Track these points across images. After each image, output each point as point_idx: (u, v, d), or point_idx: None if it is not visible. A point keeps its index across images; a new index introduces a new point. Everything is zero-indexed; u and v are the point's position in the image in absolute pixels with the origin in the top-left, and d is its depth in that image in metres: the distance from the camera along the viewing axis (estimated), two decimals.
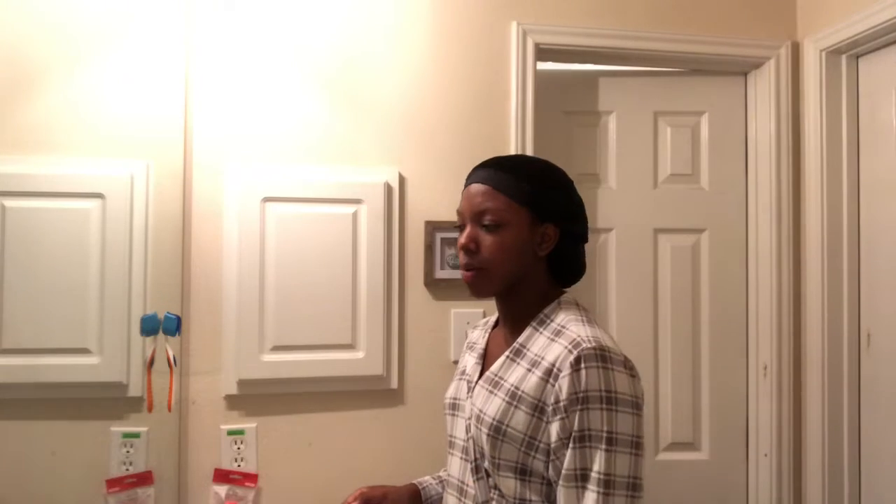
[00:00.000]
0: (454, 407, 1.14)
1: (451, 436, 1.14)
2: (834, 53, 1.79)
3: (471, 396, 1.08)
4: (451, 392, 1.16)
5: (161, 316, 1.51)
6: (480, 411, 1.02)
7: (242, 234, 1.60)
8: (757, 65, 1.90)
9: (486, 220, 1.02)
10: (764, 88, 1.90)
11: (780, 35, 1.89)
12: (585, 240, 1.11)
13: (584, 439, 0.92)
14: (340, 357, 1.63)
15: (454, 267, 1.69)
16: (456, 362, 1.69)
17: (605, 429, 0.91)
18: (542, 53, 1.79)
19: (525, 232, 1.02)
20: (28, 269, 1.42)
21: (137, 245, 1.51)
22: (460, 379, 1.15)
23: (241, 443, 1.60)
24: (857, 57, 1.78)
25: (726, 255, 1.95)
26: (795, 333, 1.86)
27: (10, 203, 1.41)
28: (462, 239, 1.04)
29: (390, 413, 1.68)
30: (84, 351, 1.46)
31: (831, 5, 1.78)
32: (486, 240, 1.02)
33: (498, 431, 0.98)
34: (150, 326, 1.50)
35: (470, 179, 1.08)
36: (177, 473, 1.57)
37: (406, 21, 1.71)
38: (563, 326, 1.01)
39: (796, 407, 1.86)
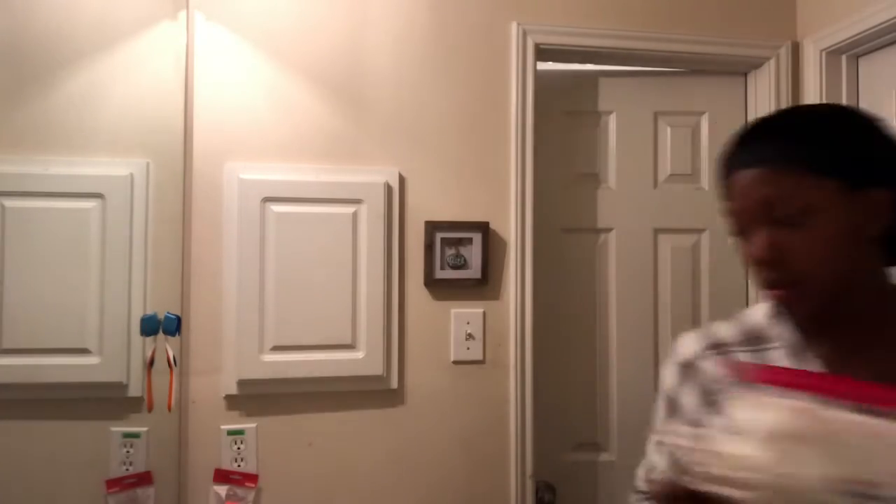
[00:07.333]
0: None
1: None
2: (834, 53, 1.79)
3: None
4: None
5: (161, 316, 1.51)
6: None
7: (242, 234, 1.60)
8: (757, 65, 1.90)
9: (781, 213, 0.74)
10: (764, 88, 1.89)
11: (780, 35, 1.89)
12: None
13: None
14: (340, 357, 1.63)
15: (454, 267, 1.68)
16: (456, 362, 1.70)
17: None
18: (542, 53, 1.79)
19: (841, 212, 0.73)
20: (28, 269, 1.42)
21: (137, 245, 1.51)
22: None
23: (241, 443, 1.60)
24: (857, 57, 1.78)
25: (726, 255, 1.95)
26: None
27: (10, 203, 1.41)
28: (755, 249, 0.76)
29: (390, 413, 1.68)
30: (84, 351, 1.46)
31: (831, 5, 1.78)
32: (790, 241, 0.74)
33: None
34: (150, 326, 1.50)
35: (732, 163, 0.79)
36: (177, 473, 1.57)
37: (406, 21, 1.71)
38: None
39: None
